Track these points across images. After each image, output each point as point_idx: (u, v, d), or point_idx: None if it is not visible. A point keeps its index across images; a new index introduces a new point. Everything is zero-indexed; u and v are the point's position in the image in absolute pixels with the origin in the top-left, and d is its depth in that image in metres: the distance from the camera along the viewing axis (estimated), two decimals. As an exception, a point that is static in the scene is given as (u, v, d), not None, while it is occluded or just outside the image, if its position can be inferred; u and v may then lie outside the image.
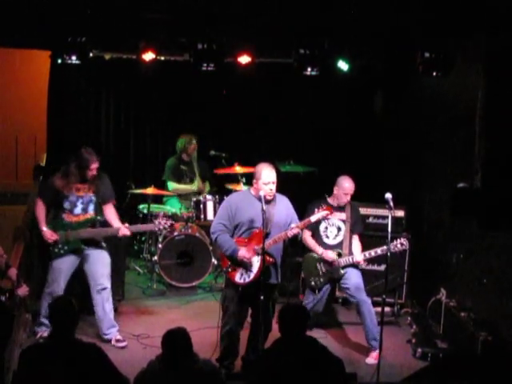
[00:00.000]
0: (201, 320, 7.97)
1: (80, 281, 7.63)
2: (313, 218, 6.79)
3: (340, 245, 7.68)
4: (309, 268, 7.79)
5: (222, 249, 6.79)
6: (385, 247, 7.16)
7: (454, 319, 7.69)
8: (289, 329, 5.22)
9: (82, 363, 4.92)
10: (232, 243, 6.69)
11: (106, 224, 7.60)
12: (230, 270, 6.76)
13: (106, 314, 7.53)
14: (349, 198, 7.69)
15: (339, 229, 7.73)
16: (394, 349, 7.65)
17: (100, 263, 7.52)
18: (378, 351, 6.88)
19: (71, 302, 5.23)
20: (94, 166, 7.40)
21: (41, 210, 7.47)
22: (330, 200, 7.76)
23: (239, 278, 6.72)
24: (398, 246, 7.42)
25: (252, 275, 6.66)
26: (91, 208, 7.50)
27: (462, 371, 5.83)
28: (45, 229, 7.38)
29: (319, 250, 7.66)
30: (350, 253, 7.64)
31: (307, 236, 7.73)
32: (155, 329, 7.62)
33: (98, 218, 7.55)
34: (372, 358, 7.34)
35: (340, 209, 7.74)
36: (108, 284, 7.54)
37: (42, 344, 5.08)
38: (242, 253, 6.64)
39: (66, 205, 7.44)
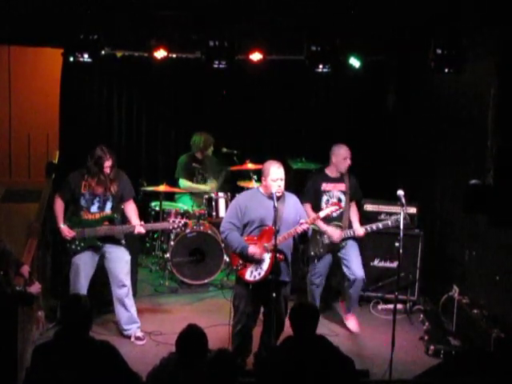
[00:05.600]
0: (213, 317, 7.95)
1: (102, 277, 7.71)
2: (322, 214, 6.91)
3: (341, 217, 7.79)
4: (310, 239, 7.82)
5: (231, 247, 6.81)
6: (387, 221, 7.64)
7: (467, 316, 7.67)
8: (300, 327, 5.23)
9: (94, 361, 4.93)
10: (241, 241, 6.70)
11: (124, 222, 7.69)
12: (240, 268, 6.76)
13: (126, 311, 7.61)
14: (349, 161, 7.79)
15: (340, 200, 7.80)
16: (407, 346, 7.64)
17: (119, 260, 7.60)
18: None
19: (83, 300, 5.23)
20: (108, 163, 7.44)
21: (59, 207, 7.53)
22: (328, 171, 7.90)
23: (249, 275, 6.72)
24: (400, 219, 7.43)
25: (262, 273, 6.66)
26: (108, 206, 7.57)
27: (474, 368, 5.82)
28: (62, 226, 7.45)
29: (323, 227, 7.73)
30: (350, 225, 7.80)
31: (308, 209, 7.71)
32: (167, 326, 7.67)
33: (116, 216, 7.61)
34: (352, 321, 8.01)
35: (339, 180, 7.85)
36: (127, 281, 7.62)
37: (55, 342, 5.08)
38: (252, 249, 6.65)
39: (83, 202, 7.51)
